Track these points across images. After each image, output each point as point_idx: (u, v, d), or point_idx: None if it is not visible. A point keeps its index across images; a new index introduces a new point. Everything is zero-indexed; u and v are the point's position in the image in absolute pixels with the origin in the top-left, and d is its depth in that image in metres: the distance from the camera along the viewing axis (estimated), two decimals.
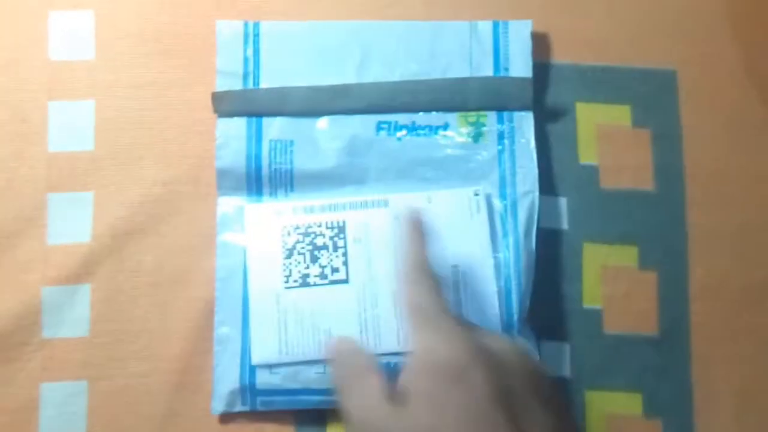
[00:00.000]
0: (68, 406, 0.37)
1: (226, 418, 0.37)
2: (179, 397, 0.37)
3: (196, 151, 0.39)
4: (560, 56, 0.41)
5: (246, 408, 0.37)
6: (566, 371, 0.38)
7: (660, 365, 0.38)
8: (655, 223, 0.40)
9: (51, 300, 0.38)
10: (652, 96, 0.41)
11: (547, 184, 0.39)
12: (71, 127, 0.39)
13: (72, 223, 0.38)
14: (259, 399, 0.37)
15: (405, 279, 0.31)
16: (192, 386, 0.37)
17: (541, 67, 0.40)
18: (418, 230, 0.33)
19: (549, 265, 0.39)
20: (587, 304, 0.39)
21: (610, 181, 0.40)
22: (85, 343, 0.38)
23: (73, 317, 0.38)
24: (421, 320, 0.29)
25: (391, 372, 0.35)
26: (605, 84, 0.41)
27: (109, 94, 0.40)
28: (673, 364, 0.38)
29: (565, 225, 0.39)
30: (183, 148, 0.39)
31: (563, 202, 0.40)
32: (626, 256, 0.39)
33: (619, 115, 0.40)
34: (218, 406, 0.37)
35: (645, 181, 0.40)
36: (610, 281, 0.39)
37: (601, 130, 0.40)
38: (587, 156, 0.40)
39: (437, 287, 0.30)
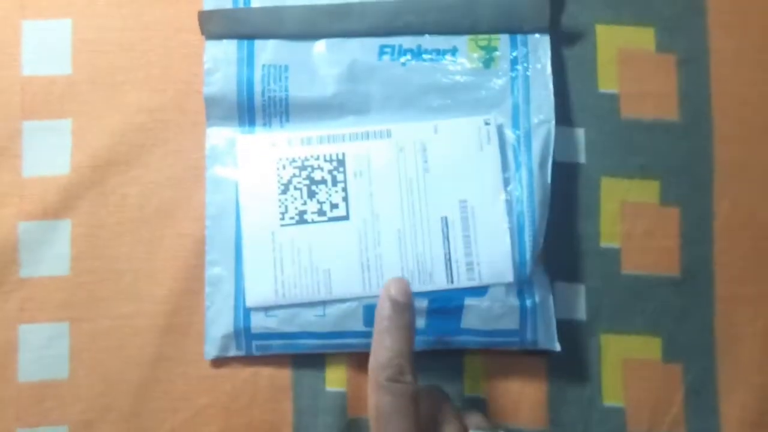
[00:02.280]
0: (49, 349, 0.35)
1: (219, 362, 0.36)
2: (168, 340, 0.36)
3: (183, 76, 0.37)
4: None
5: (241, 353, 0.35)
6: (581, 314, 0.36)
7: (681, 307, 0.37)
8: (679, 155, 0.37)
9: (28, 236, 0.36)
10: (678, 17, 0.38)
11: (563, 114, 0.37)
12: (46, 48, 0.37)
13: (49, 153, 0.36)
14: (254, 343, 0.35)
15: (375, 381, 0.29)
16: (182, 329, 0.36)
17: None
18: (404, 315, 0.30)
19: (564, 200, 0.37)
20: (604, 243, 0.37)
21: (631, 111, 0.37)
22: (65, 282, 0.36)
23: (52, 254, 0.36)
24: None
25: None
26: (628, 4, 0.38)
27: (87, 13, 0.37)
28: (695, 306, 0.37)
29: (582, 158, 0.37)
30: (168, 72, 0.37)
31: (580, 132, 0.37)
32: (647, 191, 0.37)
33: (643, 38, 0.38)
34: (211, 351, 0.35)
35: (669, 111, 0.38)
36: (629, 218, 0.37)
37: (622, 55, 0.38)
38: (607, 83, 0.38)
39: (409, 400, 0.29)
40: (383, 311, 0.30)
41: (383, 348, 0.29)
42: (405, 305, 0.30)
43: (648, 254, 0.37)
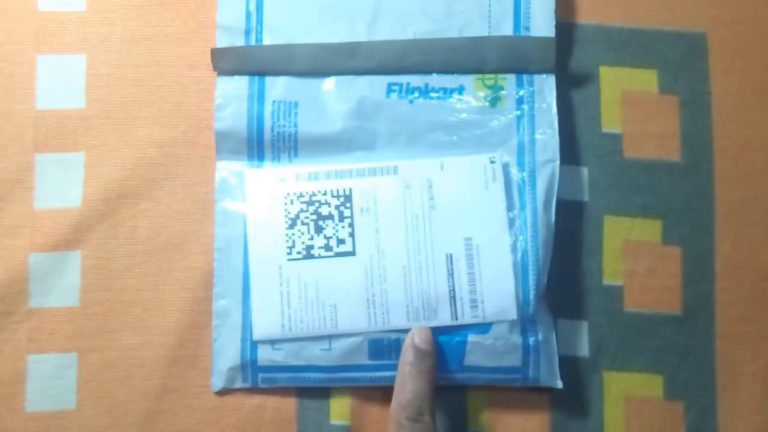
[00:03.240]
0: (57, 380, 0.36)
1: (225, 393, 0.36)
2: (175, 372, 0.36)
3: (194, 112, 0.38)
4: (585, 16, 0.39)
5: (247, 385, 0.36)
6: (584, 350, 0.37)
7: (682, 345, 0.37)
8: (681, 195, 0.38)
9: (39, 267, 0.36)
10: (680, 60, 0.39)
11: (568, 153, 0.37)
12: (61, 83, 0.38)
13: (61, 185, 0.37)
14: (260, 376, 0.35)
15: (396, 420, 0.31)
16: (188, 361, 0.36)
17: (564, 27, 0.38)
18: (425, 362, 0.33)
19: (567, 238, 0.37)
20: (607, 280, 0.37)
21: (634, 151, 0.38)
22: (75, 313, 0.36)
23: (62, 286, 0.36)
24: None
25: (400, 350, 0.34)
26: (631, 47, 0.39)
27: (102, 49, 0.38)
28: (697, 344, 0.37)
29: (585, 196, 0.38)
30: (180, 108, 0.38)
31: (584, 171, 0.38)
32: (649, 229, 0.37)
33: (646, 80, 0.39)
34: (218, 383, 0.36)
35: (671, 151, 0.38)
36: (631, 256, 0.37)
37: (626, 96, 0.38)
38: (611, 123, 0.38)
39: None
40: (407, 357, 0.33)
41: (405, 391, 0.32)
42: (427, 353, 0.33)
43: (650, 292, 0.37)
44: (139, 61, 0.38)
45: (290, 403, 0.36)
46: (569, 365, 0.36)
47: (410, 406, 0.31)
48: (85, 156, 0.37)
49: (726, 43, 0.39)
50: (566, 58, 0.38)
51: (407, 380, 0.32)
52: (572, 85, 0.38)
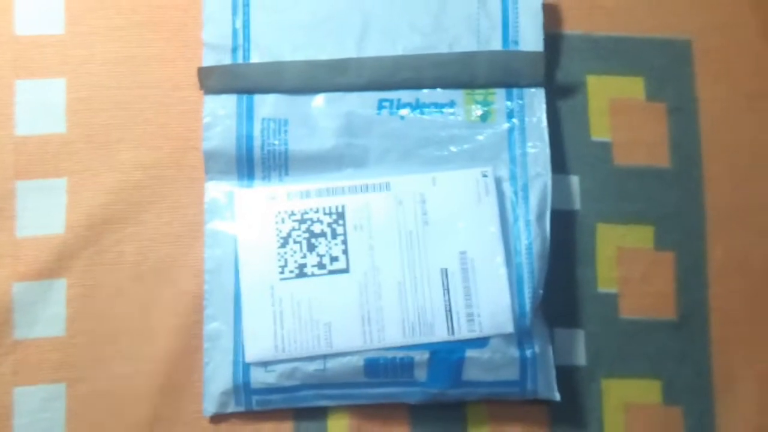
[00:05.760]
0: (45, 412, 0.36)
1: (219, 419, 0.36)
2: (167, 401, 0.36)
3: (179, 132, 0.38)
4: (571, 26, 0.40)
5: (240, 408, 0.36)
6: (581, 359, 0.37)
7: (679, 350, 0.38)
8: (672, 201, 0.39)
9: (23, 297, 0.36)
10: (666, 67, 0.40)
11: (558, 162, 0.38)
12: (41, 107, 0.38)
13: (43, 212, 0.37)
14: (254, 398, 0.35)
15: None
16: (180, 388, 0.36)
17: (551, 38, 0.39)
18: None
19: (561, 247, 0.38)
20: (602, 288, 0.38)
21: (623, 158, 0.39)
22: (61, 343, 0.36)
23: (47, 315, 0.36)
24: None
25: (396, 367, 0.34)
26: (618, 55, 0.40)
27: (82, 72, 0.38)
28: (693, 349, 0.38)
29: (577, 205, 0.38)
30: (164, 129, 0.38)
31: (575, 180, 0.39)
32: (642, 236, 0.38)
33: (633, 88, 0.39)
34: (210, 408, 0.35)
35: (660, 158, 0.39)
36: (625, 263, 0.38)
37: (614, 105, 0.39)
38: (600, 132, 0.39)
39: None
40: None
41: None
42: None
43: (645, 298, 0.38)
44: (121, 83, 0.38)
45: (287, 426, 0.36)
46: (567, 374, 0.37)
47: None
48: (68, 181, 0.37)
49: (711, 50, 0.40)
50: (554, 69, 0.39)
51: None
52: (560, 95, 0.39)
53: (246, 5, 0.38)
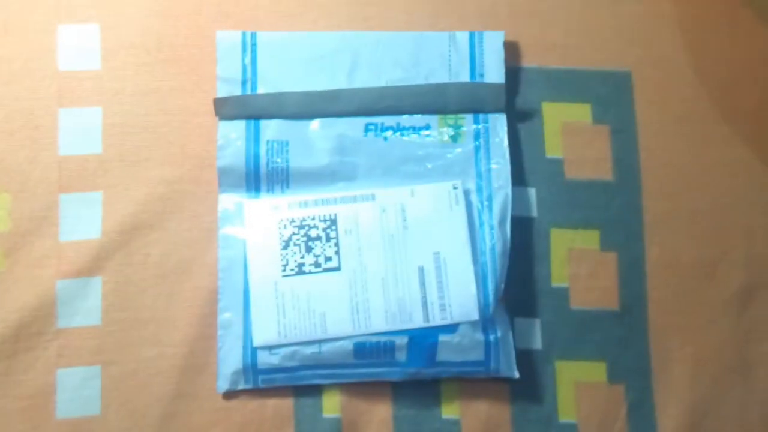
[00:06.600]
0: (83, 390, 0.39)
1: (230, 395, 0.39)
2: (186, 378, 0.39)
3: (197, 152, 0.41)
4: (528, 60, 0.44)
5: (249, 386, 0.39)
6: (538, 344, 0.41)
7: (621, 336, 0.41)
8: (615, 209, 0.42)
9: (65, 292, 0.40)
10: (610, 95, 0.44)
11: (518, 176, 0.42)
12: (80, 132, 0.41)
13: (83, 221, 0.40)
14: (260, 377, 0.39)
15: None
16: (198, 368, 0.39)
17: (511, 70, 0.43)
18: None
19: (520, 248, 0.41)
20: (555, 283, 0.42)
21: (573, 173, 0.43)
22: (97, 331, 0.39)
23: (85, 308, 0.40)
24: None
25: (380, 350, 0.39)
26: (568, 85, 0.43)
27: (115, 101, 0.42)
28: (633, 335, 0.41)
29: (534, 212, 0.42)
30: (185, 150, 0.42)
31: (532, 192, 0.42)
32: (589, 239, 0.42)
33: (581, 112, 0.43)
34: (223, 385, 0.39)
35: (605, 172, 0.43)
36: (575, 262, 0.42)
37: (565, 127, 0.43)
38: (553, 150, 0.43)
39: None
40: None
41: None
42: None
43: (592, 292, 0.42)
44: (149, 110, 0.42)
45: (288, 401, 0.39)
46: (526, 357, 0.40)
47: None
48: (103, 194, 0.41)
49: (648, 80, 0.44)
50: (513, 97, 0.43)
51: None
52: (519, 119, 0.43)
53: (254, 45, 0.42)
